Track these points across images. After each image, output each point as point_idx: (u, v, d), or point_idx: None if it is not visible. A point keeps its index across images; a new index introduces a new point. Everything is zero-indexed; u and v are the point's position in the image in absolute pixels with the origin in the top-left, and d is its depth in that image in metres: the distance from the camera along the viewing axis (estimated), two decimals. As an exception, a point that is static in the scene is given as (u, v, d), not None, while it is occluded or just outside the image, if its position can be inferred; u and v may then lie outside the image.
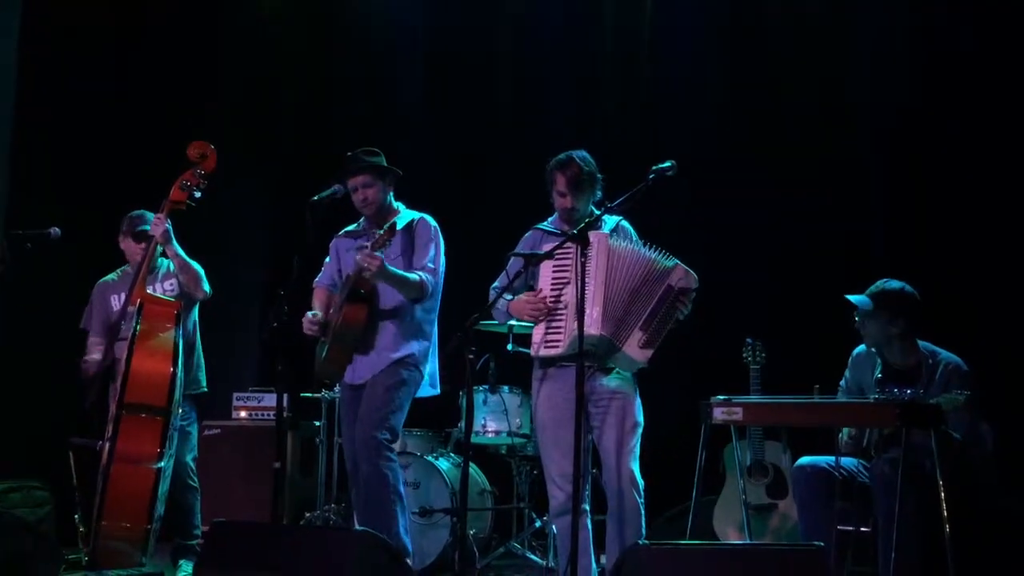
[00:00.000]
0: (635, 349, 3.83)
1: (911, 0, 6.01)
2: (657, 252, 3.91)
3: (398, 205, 4.54)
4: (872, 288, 4.39)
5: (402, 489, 4.36)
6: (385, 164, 4.47)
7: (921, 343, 4.41)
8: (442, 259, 4.47)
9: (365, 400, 4.36)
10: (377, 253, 4.09)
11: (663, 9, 6.59)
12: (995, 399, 4.47)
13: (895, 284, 4.37)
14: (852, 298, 4.37)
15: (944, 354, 4.38)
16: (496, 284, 4.13)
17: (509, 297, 3.99)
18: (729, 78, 6.42)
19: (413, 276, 4.33)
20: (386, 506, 4.26)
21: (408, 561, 4.19)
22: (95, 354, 4.96)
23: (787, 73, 6.26)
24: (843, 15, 6.20)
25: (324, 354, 4.42)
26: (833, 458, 4.32)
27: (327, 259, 4.67)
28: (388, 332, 4.39)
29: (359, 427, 4.33)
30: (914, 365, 4.37)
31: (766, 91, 6.30)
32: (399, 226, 4.32)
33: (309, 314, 4.46)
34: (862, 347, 4.54)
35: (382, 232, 4.12)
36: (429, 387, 4.55)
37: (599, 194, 4.05)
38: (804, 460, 4.44)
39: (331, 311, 4.50)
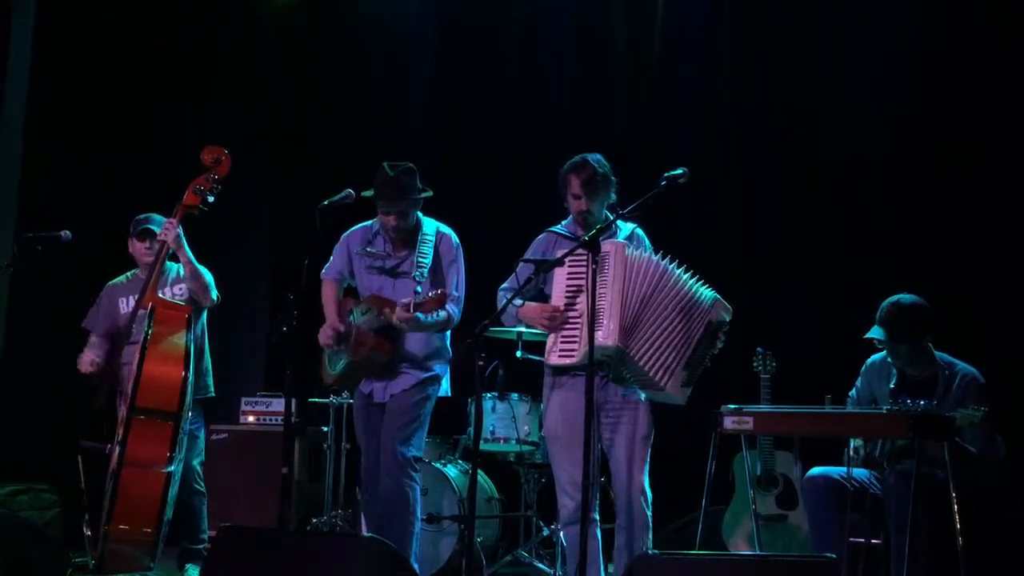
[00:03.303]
0: (678, 389, 3.79)
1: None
2: (689, 275, 3.86)
3: (416, 213, 4.48)
4: (885, 308, 4.30)
5: (419, 512, 4.34)
6: (420, 188, 4.41)
7: (937, 353, 4.37)
8: (464, 280, 4.45)
9: (391, 415, 4.34)
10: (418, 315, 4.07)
11: (672, 10, 6.57)
12: (1006, 409, 4.41)
13: (907, 300, 4.30)
14: (874, 336, 4.29)
15: (961, 365, 4.33)
16: (505, 285, 4.10)
17: (519, 303, 3.96)
18: (739, 80, 6.39)
19: (441, 315, 4.31)
20: (403, 526, 4.24)
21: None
22: (91, 354, 4.92)
23: (799, 74, 6.24)
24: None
25: (340, 368, 4.39)
26: (844, 469, 4.29)
27: (335, 249, 4.61)
28: (412, 356, 4.39)
29: (386, 442, 4.30)
30: (930, 376, 4.32)
31: (775, 93, 6.27)
32: (429, 245, 4.33)
33: (327, 329, 4.40)
34: (876, 356, 4.51)
35: (431, 297, 4.05)
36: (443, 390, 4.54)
37: (614, 197, 4.01)
38: (815, 471, 4.42)
39: (346, 320, 4.46)
